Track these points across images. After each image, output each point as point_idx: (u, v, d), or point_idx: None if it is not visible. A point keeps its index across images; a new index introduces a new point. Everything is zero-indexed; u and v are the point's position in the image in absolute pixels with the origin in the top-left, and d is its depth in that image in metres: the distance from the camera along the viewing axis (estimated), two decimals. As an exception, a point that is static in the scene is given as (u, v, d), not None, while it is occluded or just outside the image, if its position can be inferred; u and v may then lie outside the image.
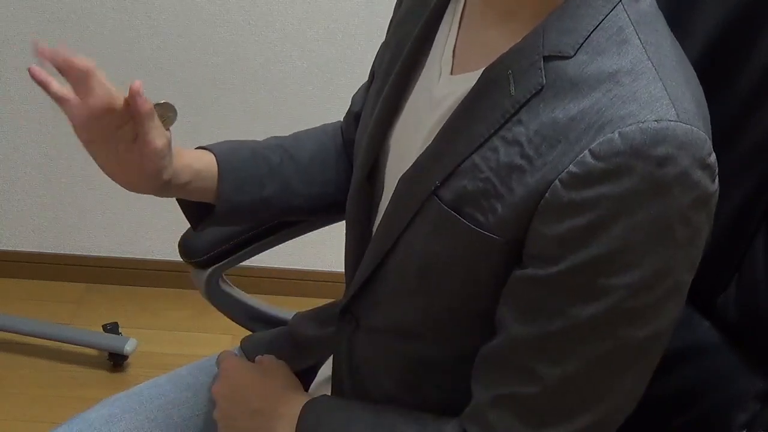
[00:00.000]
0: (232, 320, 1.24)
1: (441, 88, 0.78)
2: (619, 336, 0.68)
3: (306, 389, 0.96)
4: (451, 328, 0.78)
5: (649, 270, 0.66)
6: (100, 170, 0.84)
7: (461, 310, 0.76)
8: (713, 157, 0.67)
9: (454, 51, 0.79)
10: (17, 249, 2.22)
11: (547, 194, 0.66)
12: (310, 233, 1.17)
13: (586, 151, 0.64)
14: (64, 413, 1.01)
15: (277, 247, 1.18)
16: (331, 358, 0.94)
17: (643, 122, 0.64)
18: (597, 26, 0.68)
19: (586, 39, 0.68)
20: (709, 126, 0.69)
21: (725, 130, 0.71)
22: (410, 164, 0.77)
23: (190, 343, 2.08)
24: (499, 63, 0.71)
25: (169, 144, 0.82)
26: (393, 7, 0.94)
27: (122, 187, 0.85)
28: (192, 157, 0.91)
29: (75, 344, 2.00)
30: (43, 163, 2.12)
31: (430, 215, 0.74)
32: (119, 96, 0.78)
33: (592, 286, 0.66)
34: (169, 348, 2.06)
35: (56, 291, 2.21)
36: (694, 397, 0.88)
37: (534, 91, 0.68)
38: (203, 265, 1.16)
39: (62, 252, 2.23)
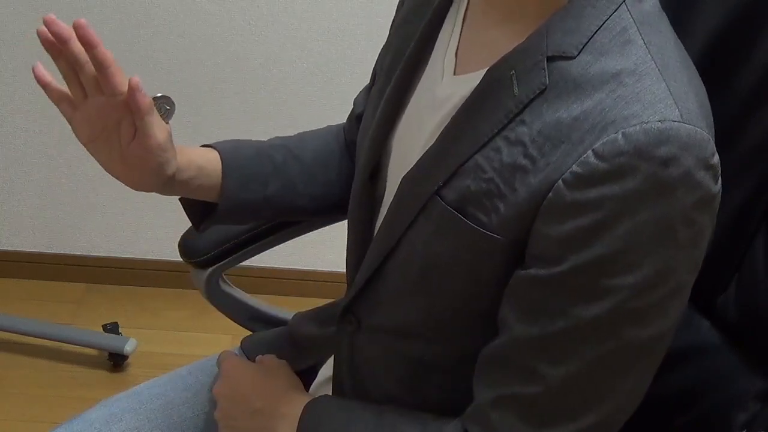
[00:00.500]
0: (232, 320, 1.24)
1: (444, 89, 0.78)
2: (622, 336, 0.68)
3: (306, 389, 0.96)
4: (453, 328, 0.78)
5: (651, 270, 0.66)
6: (101, 170, 0.84)
7: (463, 310, 0.76)
8: (716, 158, 0.67)
9: (456, 51, 0.79)
10: (17, 249, 2.22)
11: (550, 194, 0.66)
12: (310, 233, 1.17)
13: (590, 152, 0.64)
14: (64, 413, 1.02)
15: (277, 247, 1.18)
16: (331, 358, 0.93)
17: (646, 123, 0.64)
18: (600, 27, 0.69)
19: (590, 39, 0.68)
20: (713, 126, 0.69)
21: (725, 130, 0.71)
22: (413, 164, 0.77)
23: (190, 343, 2.08)
24: (503, 63, 0.71)
25: (169, 137, 0.82)
26: (393, 6, 0.94)
27: (127, 186, 0.85)
28: (196, 153, 0.91)
29: (75, 344, 2.00)
30: (43, 163, 2.12)
31: (432, 215, 0.74)
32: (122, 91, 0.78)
33: (594, 287, 0.66)
34: (169, 348, 2.06)
35: (56, 291, 2.21)
36: (694, 397, 0.88)
37: (537, 92, 0.68)
38: (203, 265, 1.16)
39: (62, 252, 2.23)
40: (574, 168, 0.65)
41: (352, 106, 1.04)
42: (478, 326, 0.75)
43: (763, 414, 0.83)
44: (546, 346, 0.69)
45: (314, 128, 1.07)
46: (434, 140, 0.76)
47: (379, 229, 0.82)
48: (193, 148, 0.92)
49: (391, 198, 0.80)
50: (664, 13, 0.73)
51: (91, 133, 0.80)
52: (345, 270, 0.92)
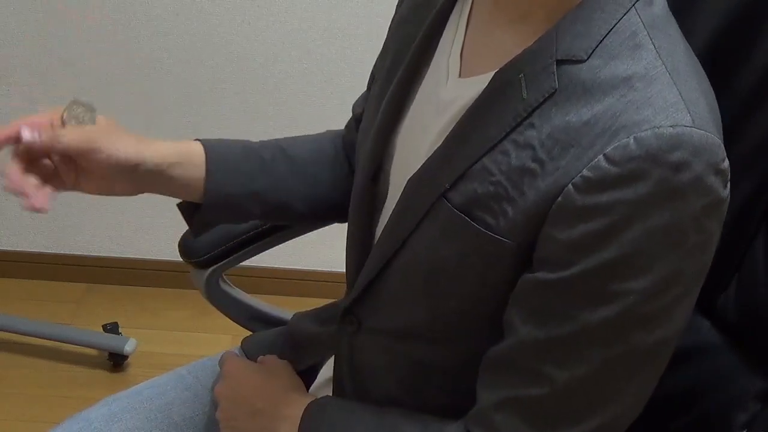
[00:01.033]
0: (232, 320, 1.24)
1: (449, 91, 0.78)
2: (629, 341, 0.68)
3: (306, 390, 0.96)
4: (459, 331, 0.78)
5: (660, 275, 0.66)
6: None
7: (470, 313, 0.76)
8: (726, 163, 0.67)
9: (461, 53, 0.79)
10: (17, 249, 2.22)
11: (559, 198, 0.66)
12: (310, 233, 1.17)
13: (601, 156, 0.64)
14: (64, 413, 1.01)
15: (277, 247, 1.18)
16: (332, 358, 0.93)
17: (658, 127, 0.64)
18: (610, 30, 0.68)
19: (600, 43, 0.68)
20: (721, 131, 0.69)
21: (725, 130, 0.71)
22: (417, 167, 0.77)
23: (190, 343, 2.08)
24: (511, 66, 0.71)
25: (90, 136, 0.83)
26: (393, 7, 0.94)
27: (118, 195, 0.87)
28: (176, 143, 0.90)
29: (75, 344, 2.00)
30: (43, 163, 2.12)
31: (438, 218, 0.74)
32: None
33: (603, 291, 0.66)
34: (169, 348, 2.06)
35: (56, 291, 2.21)
36: (694, 397, 0.88)
37: (547, 95, 0.68)
38: (203, 265, 1.15)
39: (62, 252, 2.23)
40: (585, 172, 0.65)
41: (351, 113, 1.03)
42: (483, 329, 0.75)
43: (763, 414, 0.83)
44: (552, 349, 0.69)
45: (314, 129, 1.07)
46: (440, 143, 0.75)
47: (381, 231, 0.82)
48: (175, 141, 0.91)
49: (394, 200, 0.80)
50: (673, 17, 0.73)
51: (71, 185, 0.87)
52: (345, 270, 0.92)
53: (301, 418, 0.84)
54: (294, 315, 1.07)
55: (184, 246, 1.16)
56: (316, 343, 0.98)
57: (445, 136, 0.75)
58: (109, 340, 1.99)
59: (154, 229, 2.19)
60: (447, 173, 0.73)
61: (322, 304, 1.04)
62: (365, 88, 1.00)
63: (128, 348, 1.95)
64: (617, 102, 0.66)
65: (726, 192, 0.67)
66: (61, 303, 2.18)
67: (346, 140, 1.03)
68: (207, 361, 1.07)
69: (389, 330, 0.83)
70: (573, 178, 0.65)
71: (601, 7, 0.69)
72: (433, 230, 0.74)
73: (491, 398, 0.73)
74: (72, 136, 0.82)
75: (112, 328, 2.03)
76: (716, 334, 0.89)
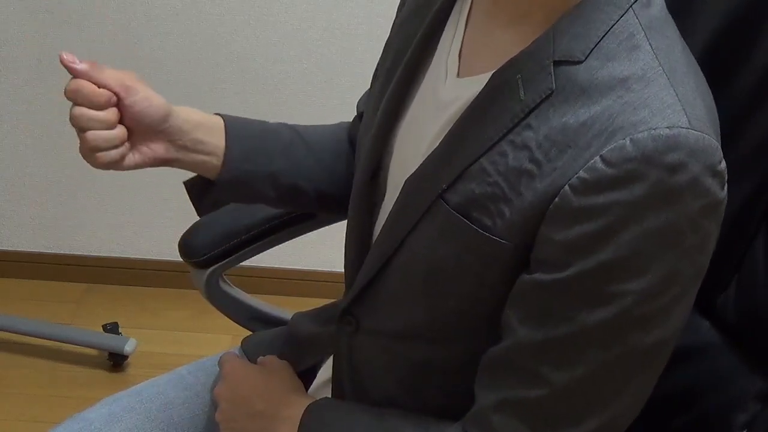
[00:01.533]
0: (232, 320, 1.24)
1: (448, 91, 0.78)
2: (627, 342, 0.68)
3: (306, 390, 0.96)
4: (457, 331, 0.78)
5: (657, 276, 0.66)
6: (101, 170, 0.85)
7: (468, 313, 0.76)
8: (723, 165, 0.67)
9: (460, 53, 0.79)
10: (17, 249, 2.22)
11: (556, 199, 0.66)
12: (310, 233, 1.17)
13: (597, 157, 0.64)
14: (64, 413, 1.01)
15: (277, 247, 1.18)
16: (331, 359, 0.93)
17: (655, 129, 0.64)
18: (608, 32, 0.68)
19: (597, 44, 0.68)
20: (719, 132, 0.69)
21: (725, 130, 0.71)
22: (415, 167, 0.77)
23: (190, 343, 2.08)
24: (509, 67, 0.71)
25: (127, 75, 0.84)
26: (393, 6, 0.94)
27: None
28: (195, 110, 0.90)
29: (75, 344, 2.00)
30: (43, 163, 2.12)
31: (436, 218, 0.74)
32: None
33: (600, 292, 0.66)
34: (169, 348, 2.06)
35: (56, 291, 2.21)
36: (694, 397, 0.88)
37: (544, 96, 0.68)
38: (203, 265, 1.15)
39: (62, 252, 2.23)
40: (582, 173, 0.65)
41: (356, 109, 1.03)
42: (482, 329, 0.75)
43: (763, 414, 0.83)
44: (550, 350, 0.69)
45: (313, 128, 1.07)
46: (438, 143, 0.75)
47: (380, 231, 0.82)
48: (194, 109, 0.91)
49: (393, 200, 0.80)
50: (671, 18, 0.73)
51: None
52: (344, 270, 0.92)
53: (301, 419, 0.84)
54: (294, 315, 1.07)
55: (184, 246, 1.16)
56: (316, 343, 0.98)
57: (443, 135, 0.75)
58: (109, 340, 1.99)
59: (154, 229, 2.19)
60: (445, 173, 0.73)
61: (322, 304, 1.04)
62: (365, 88, 1.00)
63: (128, 348, 1.95)
64: (614, 103, 0.66)
65: (723, 193, 0.67)
66: (61, 303, 2.18)
67: (351, 136, 1.03)
68: (207, 361, 1.07)
69: (388, 330, 0.83)
70: (570, 180, 0.65)
71: (598, 8, 0.69)
72: (431, 230, 0.74)
73: (489, 399, 0.73)
74: (112, 72, 0.83)
75: (112, 328, 2.03)
76: (716, 334, 0.89)
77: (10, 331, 2.00)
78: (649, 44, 0.68)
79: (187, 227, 1.16)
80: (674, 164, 0.63)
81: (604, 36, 0.68)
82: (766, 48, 0.80)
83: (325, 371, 0.98)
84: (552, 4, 0.71)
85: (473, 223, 0.71)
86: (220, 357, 1.00)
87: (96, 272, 2.24)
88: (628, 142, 0.64)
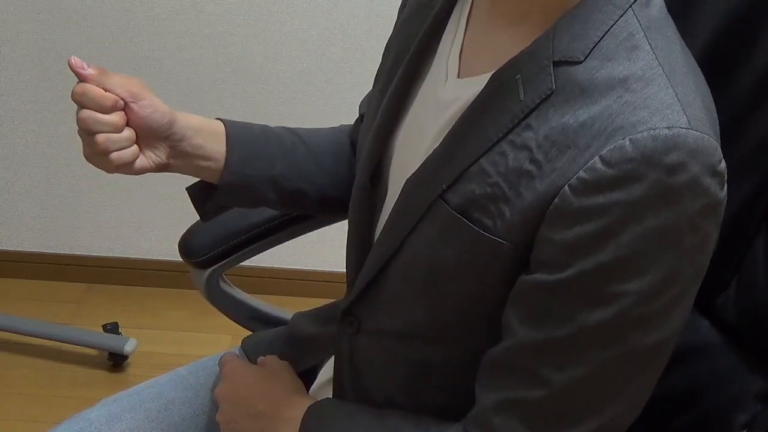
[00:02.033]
0: (233, 320, 1.24)
1: (448, 92, 0.78)
2: (627, 342, 0.68)
3: (306, 390, 0.96)
4: (457, 331, 0.78)
5: (657, 277, 0.66)
6: (101, 170, 0.85)
7: (468, 313, 0.76)
8: (723, 165, 0.67)
9: (460, 54, 0.79)
10: (17, 249, 2.22)
11: (556, 200, 0.66)
12: (310, 233, 1.17)
13: (597, 158, 0.64)
14: (64, 413, 1.01)
15: (277, 247, 1.18)
16: (332, 359, 0.93)
17: (654, 129, 0.64)
18: (607, 32, 0.68)
19: (596, 44, 0.68)
20: (718, 132, 0.69)
21: (725, 130, 0.71)
22: (415, 167, 0.77)
23: (190, 343, 2.08)
24: (509, 67, 0.71)
25: (135, 82, 0.84)
26: (394, 6, 0.94)
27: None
28: (197, 117, 0.90)
29: (75, 344, 2.00)
30: (43, 163, 2.12)
31: (436, 219, 0.74)
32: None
33: (600, 292, 0.66)
34: (169, 348, 2.06)
35: (56, 291, 2.21)
36: (694, 397, 0.88)
37: (543, 96, 0.68)
38: (203, 265, 1.15)
39: (62, 252, 2.23)
40: (581, 174, 0.65)
41: (357, 110, 1.03)
42: (482, 329, 0.75)
43: (763, 414, 0.83)
44: (550, 350, 0.69)
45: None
46: (438, 143, 0.75)
47: (380, 232, 0.82)
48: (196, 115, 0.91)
49: (393, 200, 0.80)
50: (671, 18, 0.73)
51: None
52: (345, 270, 0.92)
53: (302, 420, 0.84)
54: (294, 315, 1.07)
55: (184, 246, 1.16)
56: (317, 343, 0.98)
57: (443, 136, 0.75)
58: (109, 340, 1.99)
59: (154, 229, 2.19)
60: (445, 174, 0.73)
61: (322, 304, 1.04)
62: (365, 88, 1.00)
63: (128, 348, 1.95)
64: (614, 103, 0.66)
65: (723, 193, 0.67)
66: (61, 303, 2.18)
67: (353, 138, 1.03)
68: (207, 361, 1.07)
69: (389, 330, 0.83)
70: (569, 180, 0.65)
71: (598, 8, 0.69)
72: (432, 231, 0.74)
73: (490, 400, 0.73)
74: (118, 78, 0.83)
75: (112, 328, 2.03)
76: (716, 334, 0.89)
77: (10, 331, 2.00)
78: (649, 44, 0.68)
79: (187, 227, 1.16)
80: (674, 164, 0.63)
81: (603, 36, 0.68)
82: (766, 48, 0.80)
83: (326, 371, 0.98)
84: (551, 5, 0.71)
85: (473, 224, 0.71)
86: (221, 357, 1.00)
87: (96, 272, 2.24)
88: (628, 142, 0.64)
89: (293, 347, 1.01)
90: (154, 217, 2.17)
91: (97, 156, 0.82)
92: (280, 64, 2.01)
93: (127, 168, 0.84)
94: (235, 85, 2.03)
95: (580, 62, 0.68)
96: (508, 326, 0.72)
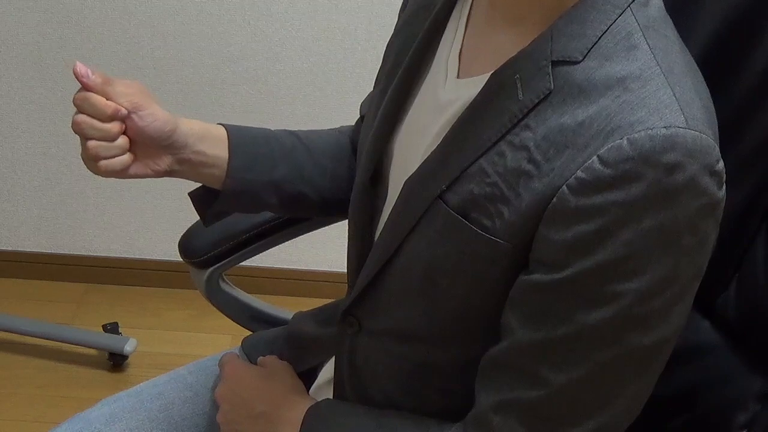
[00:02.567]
0: (233, 320, 1.24)
1: (447, 92, 0.78)
2: (625, 342, 0.68)
3: (307, 391, 0.96)
4: (456, 332, 0.78)
5: (655, 276, 0.66)
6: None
7: (468, 313, 0.76)
8: (721, 164, 0.67)
9: (460, 54, 0.79)
10: (17, 249, 2.23)
11: (554, 200, 0.66)
12: (310, 233, 1.17)
13: (595, 157, 0.64)
14: (64, 413, 1.02)
15: (277, 247, 1.18)
16: (332, 359, 0.93)
17: (652, 129, 0.64)
18: (605, 31, 0.68)
19: (595, 44, 0.68)
20: (717, 132, 0.69)
21: (725, 130, 0.71)
22: (415, 168, 0.77)
23: (190, 343, 2.08)
24: (507, 67, 0.71)
25: (138, 90, 0.84)
26: (394, 6, 0.94)
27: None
28: (200, 123, 0.90)
29: (75, 344, 2.00)
30: (43, 163, 2.12)
31: (436, 219, 0.74)
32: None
33: (598, 292, 0.66)
34: (169, 348, 2.06)
35: (56, 291, 2.21)
36: (694, 397, 0.88)
37: (542, 96, 0.68)
38: (203, 265, 1.16)
39: (62, 252, 2.23)
40: (579, 174, 0.65)
41: (357, 110, 1.03)
42: (481, 329, 0.75)
43: (763, 414, 0.83)
44: (549, 351, 0.69)
45: (314, 128, 1.07)
46: (438, 143, 0.75)
47: (380, 232, 0.82)
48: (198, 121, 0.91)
49: (393, 201, 0.80)
50: (669, 18, 0.73)
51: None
52: (345, 271, 0.92)
53: (303, 420, 0.84)
54: (294, 315, 1.07)
55: (184, 246, 1.16)
56: (317, 344, 0.98)
57: (442, 136, 0.75)
58: (109, 340, 1.99)
59: (154, 229, 2.19)
60: (444, 174, 0.73)
61: (322, 304, 1.04)
62: (365, 88, 1.00)
63: (128, 348, 1.95)
64: (612, 103, 0.66)
65: (721, 193, 0.67)
66: (61, 303, 2.18)
67: (353, 139, 1.03)
68: (207, 361, 1.07)
69: (389, 331, 0.83)
70: (567, 180, 0.65)
71: (596, 8, 0.69)
72: (431, 231, 0.74)
73: (489, 400, 0.73)
74: (122, 87, 0.82)
75: (112, 328, 2.03)
76: (716, 334, 0.89)
77: (10, 331, 2.01)
78: (647, 44, 0.68)
79: (187, 227, 1.16)
80: (671, 164, 0.63)
81: (601, 36, 0.68)
82: (766, 48, 0.80)
83: (326, 372, 0.98)
84: (549, 5, 0.71)
85: (472, 224, 0.71)
86: (221, 358, 1.00)
87: (96, 272, 2.24)
88: (626, 141, 0.64)
89: (293, 347, 1.01)
90: (154, 217, 2.17)
91: (88, 160, 0.83)
92: (280, 64, 2.01)
93: (117, 175, 0.84)
94: (235, 85, 2.03)
95: (579, 62, 0.68)
96: (507, 326, 0.72)
